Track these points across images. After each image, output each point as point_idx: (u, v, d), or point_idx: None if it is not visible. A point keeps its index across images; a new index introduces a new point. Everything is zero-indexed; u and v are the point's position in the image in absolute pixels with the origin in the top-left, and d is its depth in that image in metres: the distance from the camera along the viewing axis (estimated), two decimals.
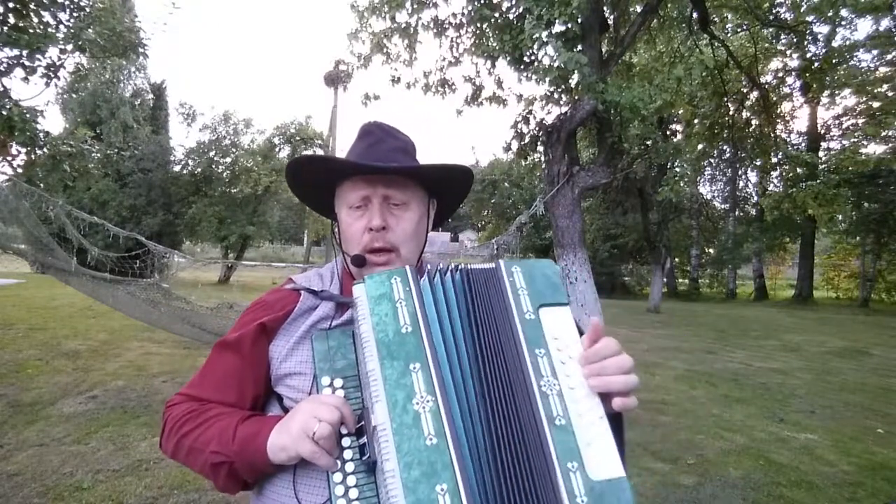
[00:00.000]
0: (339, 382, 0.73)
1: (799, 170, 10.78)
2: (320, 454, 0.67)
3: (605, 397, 0.67)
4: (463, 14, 6.37)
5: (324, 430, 0.66)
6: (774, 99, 12.72)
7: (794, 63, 14.98)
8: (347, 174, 0.91)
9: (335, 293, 0.91)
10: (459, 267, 0.75)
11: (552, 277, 0.75)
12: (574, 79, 5.58)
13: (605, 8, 6.48)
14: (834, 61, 14.86)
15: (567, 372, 0.67)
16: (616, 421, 0.68)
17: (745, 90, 10.68)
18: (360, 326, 0.69)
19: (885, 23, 14.37)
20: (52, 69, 6.54)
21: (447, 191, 0.99)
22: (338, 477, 0.67)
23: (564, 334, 0.70)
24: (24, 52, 6.03)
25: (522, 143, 6.86)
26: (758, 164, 15.41)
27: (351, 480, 0.66)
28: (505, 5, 5.91)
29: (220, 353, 0.88)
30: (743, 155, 18.54)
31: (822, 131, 19.71)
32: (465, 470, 0.59)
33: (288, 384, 0.83)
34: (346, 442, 0.69)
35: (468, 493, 0.58)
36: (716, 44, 8.30)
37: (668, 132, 13.93)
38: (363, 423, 0.68)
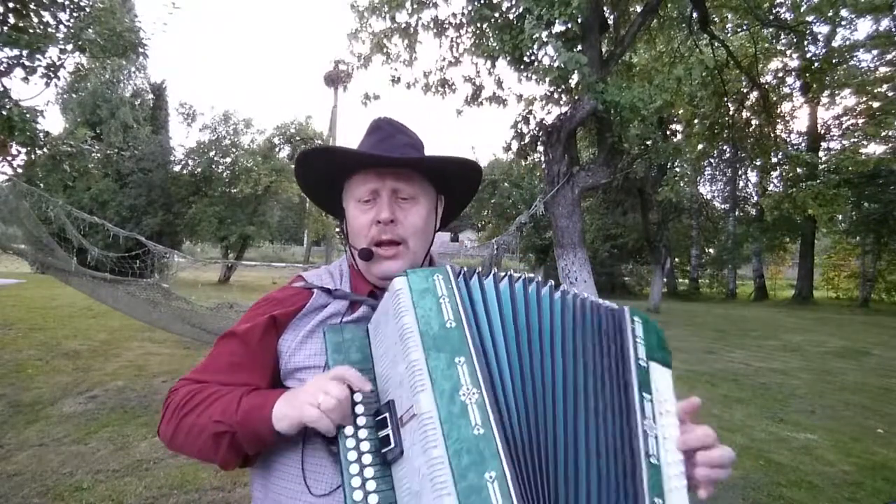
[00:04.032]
0: None
1: (799, 170, 10.79)
2: (321, 417, 0.67)
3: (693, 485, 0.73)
4: (463, 14, 6.37)
5: (328, 403, 0.67)
6: (774, 99, 12.70)
7: (794, 63, 14.98)
8: (357, 167, 0.91)
9: (347, 291, 0.91)
10: (531, 278, 0.78)
11: (663, 339, 0.83)
12: (574, 79, 5.58)
13: (605, 8, 6.49)
14: (834, 61, 14.86)
15: (662, 423, 0.74)
16: None
17: (745, 90, 10.66)
18: (401, 318, 0.69)
19: (885, 23, 14.38)
20: (52, 69, 6.54)
21: (456, 187, 0.99)
22: (354, 468, 0.67)
23: (664, 390, 0.77)
24: (24, 52, 6.04)
25: (522, 143, 6.86)
26: (758, 164, 15.39)
27: (368, 472, 0.67)
28: (505, 5, 5.92)
29: (226, 342, 0.88)
30: (743, 155, 18.52)
31: (822, 131, 19.69)
32: (510, 459, 0.61)
33: (299, 378, 0.83)
34: (362, 434, 0.70)
35: (514, 480, 0.60)
36: (716, 44, 8.30)
37: (668, 132, 13.92)
38: (383, 416, 0.69)
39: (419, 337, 0.67)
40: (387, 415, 0.69)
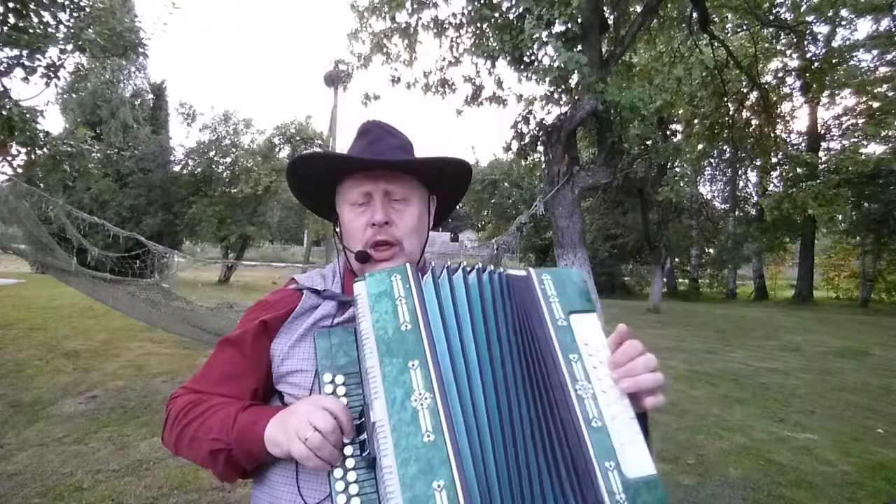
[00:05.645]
0: (340, 379, 0.74)
1: (799, 170, 10.82)
2: (310, 457, 0.67)
3: (635, 397, 0.70)
4: (463, 14, 6.37)
5: (315, 440, 0.66)
6: (774, 99, 12.73)
7: (794, 63, 15.00)
8: (348, 171, 0.92)
9: (337, 292, 0.91)
10: (477, 267, 0.76)
11: (580, 285, 0.78)
12: (574, 79, 5.58)
13: (605, 8, 6.48)
14: (834, 61, 14.86)
15: (598, 376, 0.70)
16: (642, 420, 0.70)
17: (745, 90, 10.68)
18: (360, 324, 0.69)
19: (885, 23, 14.37)
20: (52, 69, 6.54)
21: (446, 186, 1.00)
22: (338, 473, 0.67)
23: (593, 340, 0.73)
24: (24, 52, 6.04)
25: (522, 143, 6.86)
26: (758, 164, 15.42)
27: (351, 476, 0.67)
28: (505, 5, 5.91)
29: (222, 350, 0.90)
30: (743, 155, 18.53)
31: (822, 131, 19.70)
32: (462, 466, 0.59)
33: (290, 381, 0.84)
34: (345, 439, 0.69)
35: (465, 488, 0.58)
36: (716, 44, 8.30)
37: (668, 132, 13.92)
38: (364, 419, 0.69)
39: (374, 343, 0.66)
40: (364, 419, 0.69)
